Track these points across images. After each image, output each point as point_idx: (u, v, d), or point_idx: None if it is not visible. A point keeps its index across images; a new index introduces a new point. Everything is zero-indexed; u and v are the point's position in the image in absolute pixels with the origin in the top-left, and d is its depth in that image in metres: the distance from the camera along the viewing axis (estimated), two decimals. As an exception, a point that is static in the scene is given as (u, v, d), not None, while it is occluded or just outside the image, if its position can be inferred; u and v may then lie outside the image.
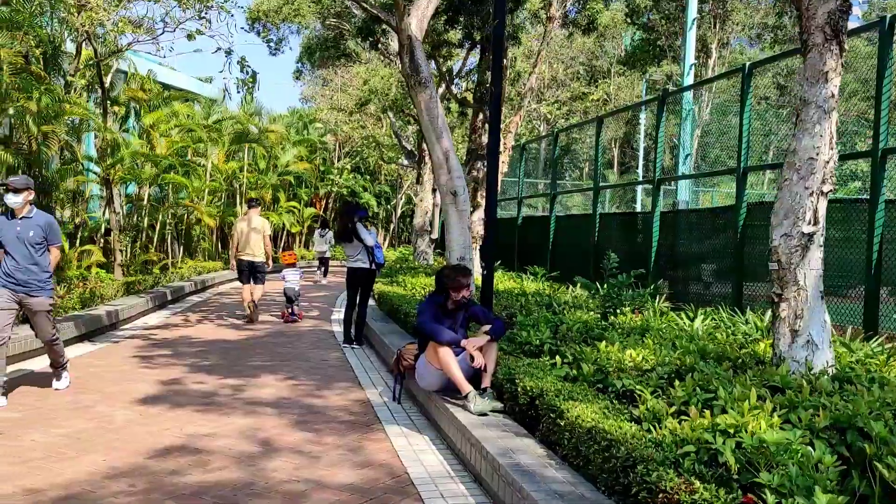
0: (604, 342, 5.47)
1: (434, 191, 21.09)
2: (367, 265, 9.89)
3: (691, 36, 13.67)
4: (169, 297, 14.13)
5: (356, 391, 7.17)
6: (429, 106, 9.29)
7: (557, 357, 5.79)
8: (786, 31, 30.90)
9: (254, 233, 11.77)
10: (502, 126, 16.41)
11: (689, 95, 11.70)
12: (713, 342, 5.93)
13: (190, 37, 12.46)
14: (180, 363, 8.28)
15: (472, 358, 5.39)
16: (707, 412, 3.76)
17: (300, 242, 33.66)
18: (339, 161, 36.61)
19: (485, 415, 5.09)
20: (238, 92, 12.17)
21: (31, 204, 6.51)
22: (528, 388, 4.84)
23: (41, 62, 11.75)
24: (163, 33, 13.26)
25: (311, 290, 18.08)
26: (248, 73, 11.73)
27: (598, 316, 7.76)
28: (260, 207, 12.93)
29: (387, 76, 22.94)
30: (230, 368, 8.06)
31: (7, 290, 6.37)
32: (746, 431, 3.46)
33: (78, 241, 14.64)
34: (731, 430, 3.50)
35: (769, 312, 7.63)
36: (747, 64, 9.62)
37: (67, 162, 14.41)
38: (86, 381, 7.26)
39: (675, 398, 4.11)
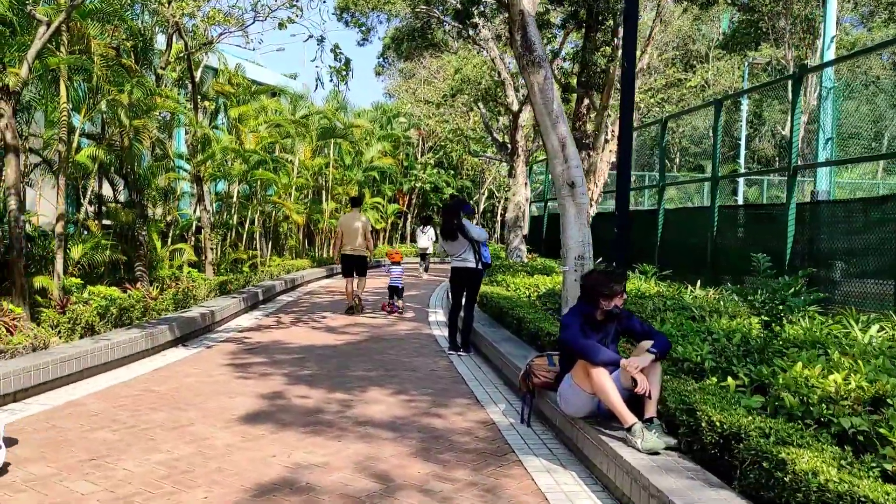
0: (799, 363, 4.43)
1: (526, 184, 20.13)
2: (473, 264, 9.10)
3: (832, 5, 12.20)
4: (260, 297, 13.68)
5: (476, 409, 6.33)
6: (543, 88, 8.33)
7: (730, 379, 4.81)
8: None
9: (358, 229, 12.51)
10: (609, 111, 15.35)
11: (830, 71, 10.38)
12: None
13: (281, 25, 11.89)
14: (278, 372, 7.64)
15: (633, 381, 4.45)
16: None
17: (384, 239, 33.21)
18: (422, 156, 36.01)
19: (656, 453, 4.15)
20: (330, 80, 11.53)
21: None
22: (717, 423, 3.88)
23: (132, 55, 11.38)
24: (253, 23, 12.76)
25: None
26: (341, 60, 11.03)
27: (753, 324, 6.68)
28: (361, 205, 13.95)
29: (479, 64, 22.04)
30: (333, 379, 7.35)
31: None
32: None
33: (170, 240, 14.38)
34: None
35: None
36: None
37: (159, 159, 14.13)
38: (182, 393, 6.67)
39: (947, 450, 3.08)
